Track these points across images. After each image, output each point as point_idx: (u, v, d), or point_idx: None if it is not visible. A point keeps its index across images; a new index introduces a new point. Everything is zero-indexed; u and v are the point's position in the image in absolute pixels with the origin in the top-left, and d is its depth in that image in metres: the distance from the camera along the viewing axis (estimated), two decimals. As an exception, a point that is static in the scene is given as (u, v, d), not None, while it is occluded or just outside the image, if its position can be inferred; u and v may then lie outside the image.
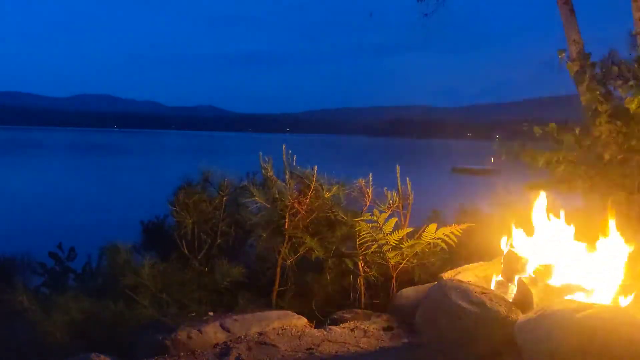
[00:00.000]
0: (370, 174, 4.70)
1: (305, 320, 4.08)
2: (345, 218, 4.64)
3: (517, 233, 3.84)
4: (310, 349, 3.53)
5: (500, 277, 3.81)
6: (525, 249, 3.76)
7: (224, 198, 4.78)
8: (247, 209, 4.64)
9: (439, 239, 4.53)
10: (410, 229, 4.64)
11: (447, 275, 3.98)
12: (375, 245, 4.52)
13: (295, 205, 4.54)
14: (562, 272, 3.53)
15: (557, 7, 5.89)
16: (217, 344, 3.62)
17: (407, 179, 4.77)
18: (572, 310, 2.89)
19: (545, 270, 3.56)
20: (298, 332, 3.84)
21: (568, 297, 3.35)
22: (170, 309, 4.02)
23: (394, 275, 4.53)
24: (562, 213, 3.83)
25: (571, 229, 3.76)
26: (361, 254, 4.57)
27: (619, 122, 4.71)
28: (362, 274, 4.59)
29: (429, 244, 4.56)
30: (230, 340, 3.66)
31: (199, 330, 3.65)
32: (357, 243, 4.57)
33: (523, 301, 3.39)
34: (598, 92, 4.89)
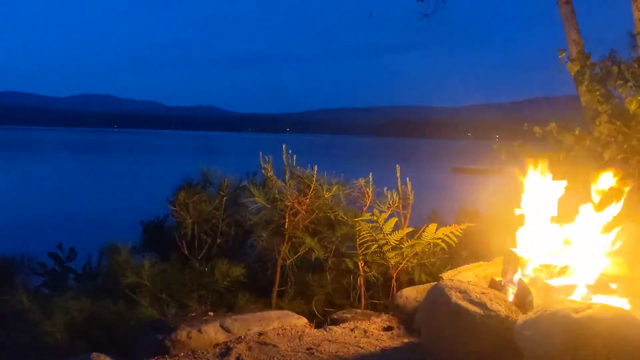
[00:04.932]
0: (370, 174, 4.70)
1: (305, 320, 4.08)
2: (345, 218, 4.64)
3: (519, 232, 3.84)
4: (310, 349, 3.53)
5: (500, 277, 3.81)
6: (526, 248, 3.76)
7: (224, 198, 4.78)
8: (247, 209, 4.64)
9: (439, 239, 4.53)
10: (410, 229, 4.65)
11: (447, 275, 3.98)
12: (375, 245, 4.52)
13: (295, 205, 4.54)
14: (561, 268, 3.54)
15: (557, 7, 5.88)
16: (217, 344, 3.62)
17: (407, 179, 4.78)
18: (572, 310, 2.89)
19: (545, 270, 3.56)
20: (298, 332, 3.84)
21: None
22: (170, 309, 4.03)
23: (394, 275, 4.54)
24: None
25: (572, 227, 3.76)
26: (361, 254, 4.57)
27: (619, 122, 4.70)
28: (362, 274, 4.59)
29: (429, 244, 4.57)
30: (230, 340, 3.66)
31: (199, 330, 3.65)
32: (357, 243, 4.57)
33: (523, 301, 3.39)
34: (598, 93, 4.88)
